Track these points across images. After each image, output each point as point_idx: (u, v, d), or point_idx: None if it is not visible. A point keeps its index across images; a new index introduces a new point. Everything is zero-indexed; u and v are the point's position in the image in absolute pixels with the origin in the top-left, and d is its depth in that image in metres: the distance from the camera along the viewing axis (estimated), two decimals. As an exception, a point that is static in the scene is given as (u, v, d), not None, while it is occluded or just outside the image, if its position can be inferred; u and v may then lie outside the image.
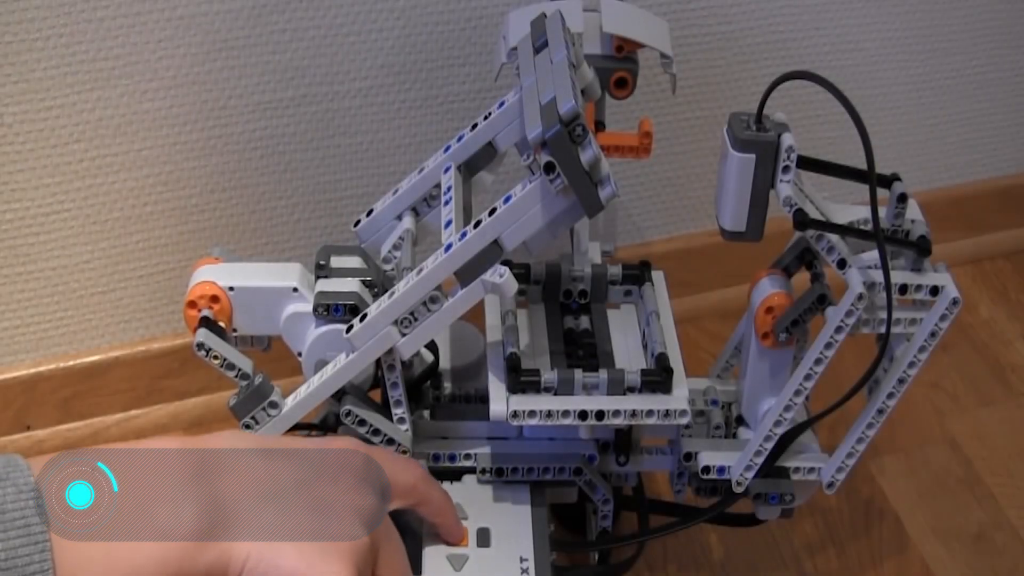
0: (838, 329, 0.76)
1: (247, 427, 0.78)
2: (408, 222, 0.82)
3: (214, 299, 0.79)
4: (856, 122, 0.71)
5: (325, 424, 0.85)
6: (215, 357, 0.76)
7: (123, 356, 1.03)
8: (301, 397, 0.78)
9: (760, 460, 0.81)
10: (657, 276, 0.86)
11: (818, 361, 0.77)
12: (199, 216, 0.99)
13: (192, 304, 0.79)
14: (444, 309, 0.74)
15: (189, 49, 0.91)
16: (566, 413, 0.76)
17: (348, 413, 0.77)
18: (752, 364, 0.82)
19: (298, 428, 0.82)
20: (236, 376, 0.77)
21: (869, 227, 0.76)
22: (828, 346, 0.77)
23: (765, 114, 0.74)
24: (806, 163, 0.77)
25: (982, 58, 1.16)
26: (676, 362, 0.78)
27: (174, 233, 1.00)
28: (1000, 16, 1.14)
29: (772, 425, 0.80)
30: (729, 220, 0.76)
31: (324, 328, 0.78)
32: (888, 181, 0.78)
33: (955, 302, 0.76)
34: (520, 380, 0.76)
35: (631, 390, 0.77)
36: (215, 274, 0.80)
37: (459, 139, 0.80)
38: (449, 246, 0.72)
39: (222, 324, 0.79)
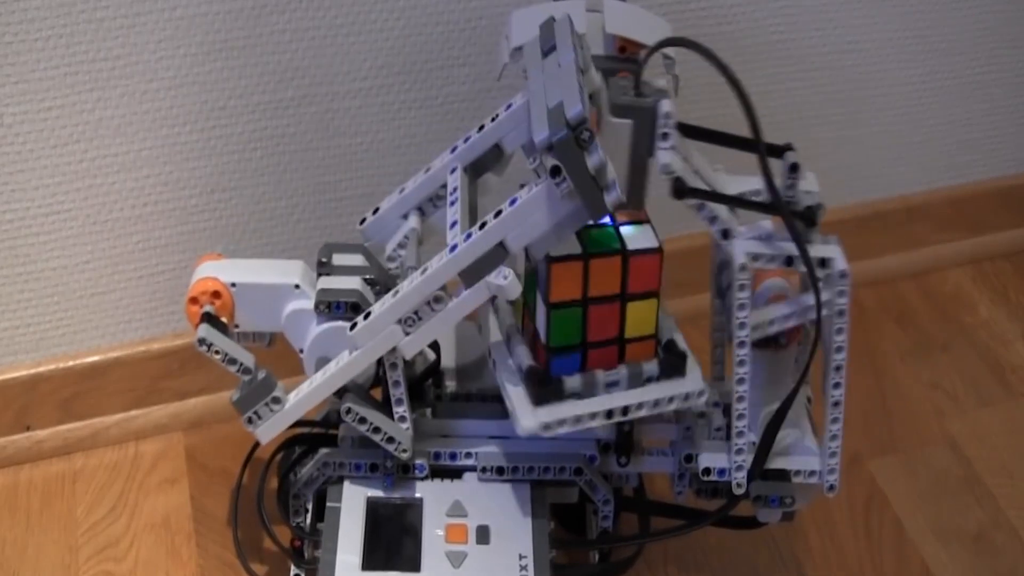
0: (740, 307, 0.74)
1: (249, 422, 0.78)
2: (414, 221, 0.82)
3: (216, 295, 0.79)
4: (735, 89, 0.70)
5: (327, 421, 0.85)
6: (217, 352, 0.76)
7: (123, 356, 1.03)
8: (304, 394, 0.77)
9: (748, 459, 0.81)
10: None
11: (741, 344, 0.76)
12: (199, 216, 0.99)
13: (194, 300, 0.79)
14: (448, 310, 0.73)
15: (189, 49, 0.91)
16: (594, 415, 0.76)
17: (349, 411, 0.77)
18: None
19: (300, 425, 0.82)
20: (238, 371, 0.77)
21: (759, 199, 0.74)
22: (741, 327, 0.75)
23: (645, 80, 0.71)
24: (690, 131, 0.74)
25: (982, 58, 1.16)
26: (684, 346, 0.78)
27: (174, 233, 1.00)
28: (1000, 16, 1.14)
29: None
30: None
31: (326, 325, 0.78)
32: (780, 151, 0.75)
33: (842, 275, 0.74)
34: (545, 391, 0.75)
35: (649, 380, 0.77)
36: (217, 270, 0.80)
37: (466, 140, 0.80)
38: (454, 247, 0.72)
39: (224, 320, 0.79)
